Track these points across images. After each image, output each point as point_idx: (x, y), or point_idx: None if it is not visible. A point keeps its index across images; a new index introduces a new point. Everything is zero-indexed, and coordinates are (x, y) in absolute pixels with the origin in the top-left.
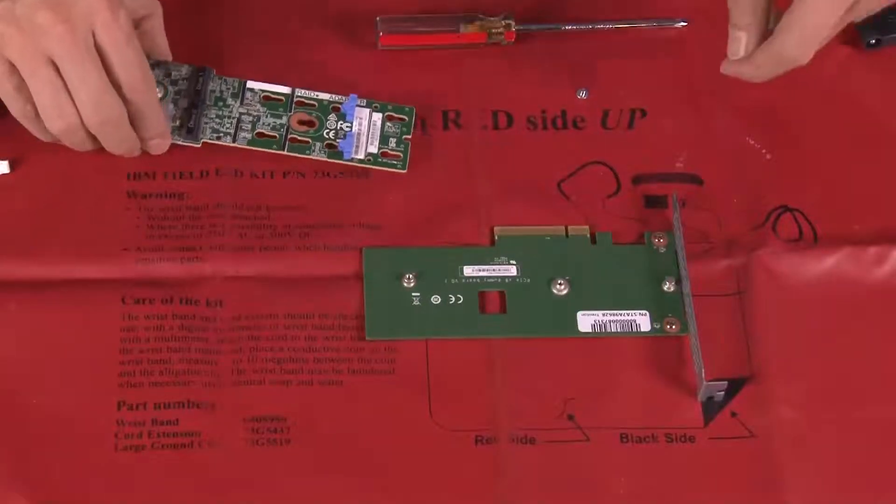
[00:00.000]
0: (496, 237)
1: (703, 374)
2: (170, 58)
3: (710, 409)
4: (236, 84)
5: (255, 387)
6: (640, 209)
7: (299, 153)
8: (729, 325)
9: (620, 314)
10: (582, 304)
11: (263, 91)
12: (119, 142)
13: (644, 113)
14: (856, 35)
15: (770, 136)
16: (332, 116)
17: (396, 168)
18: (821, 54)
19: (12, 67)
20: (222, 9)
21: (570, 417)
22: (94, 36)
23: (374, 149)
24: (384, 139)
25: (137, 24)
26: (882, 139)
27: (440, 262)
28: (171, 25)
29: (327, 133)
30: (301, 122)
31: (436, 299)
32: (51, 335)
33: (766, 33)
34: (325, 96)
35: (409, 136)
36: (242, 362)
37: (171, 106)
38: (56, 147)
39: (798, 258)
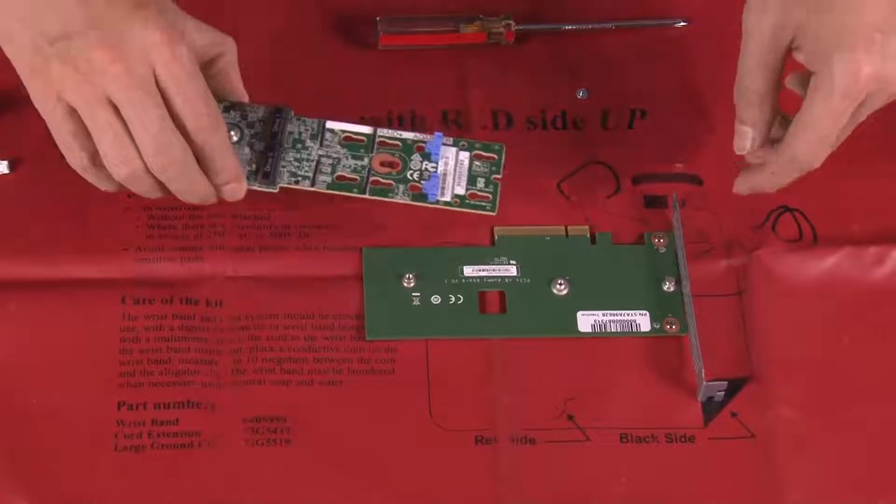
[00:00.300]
0: (496, 237)
1: (703, 374)
2: (246, 99)
3: (710, 409)
4: (315, 125)
5: (255, 387)
6: (640, 209)
7: (381, 196)
8: (729, 325)
9: (620, 314)
10: (582, 304)
11: (344, 132)
12: (188, 187)
13: (644, 113)
14: None
15: None
16: (417, 156)
17: (486, 210)
18: None
19: (71, 111)
20: (222, 8)
21: (570, 417)
22: (154, 74)
23: (461, 190)
24: (472, 179)
25: (209, 63)
26: (882, 139)
27: (440, 262)
28: None
29: (411, 174)
30: (383, 164)
31: (436, 299)
32: (51, 335)
33: (770, 129)
34: (408, 135)
35: (500, 177)
36: (242, 362)
37: (246, 149)
38: (56, 147)
39: (798, 258)
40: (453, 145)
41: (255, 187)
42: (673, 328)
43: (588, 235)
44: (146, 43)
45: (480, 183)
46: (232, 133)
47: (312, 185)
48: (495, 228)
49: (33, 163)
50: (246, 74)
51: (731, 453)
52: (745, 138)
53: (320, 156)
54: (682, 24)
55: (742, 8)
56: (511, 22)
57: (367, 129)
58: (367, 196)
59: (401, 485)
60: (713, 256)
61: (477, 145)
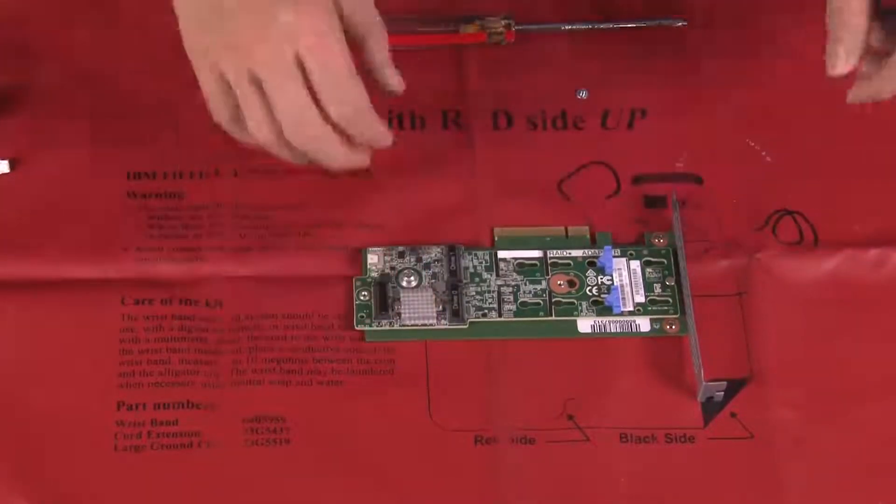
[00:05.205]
0: (496, 237)
1: (703, 375)
2: (395, 82)
3: (710, 409)
4: (488, 256)
5: (255, 387)
6: (640, 209)
7: (567, 316)
8: (729, 326)
9: (620, 315)
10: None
11: (515, 259)
12: (329, 157)
13: (644, 113)
14: None
15: (770, 137)
16: (591, 272)
17: (669, 314)
18: (820, 55)
19: (220, 76)
20: None
21: (570, 417)
22: (297, 55)
23: (640, 298)
24: (649, 286)
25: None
26: (883, 140)
27: None
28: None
29: (590, 290)
30: (561, 284)
31: None
32: (51, 335)
33: (864, 45)
34: (577, 253)
35: (673, 279)
36: (242, 362)
37: (430, 292)
38: (56, 147)
39: (798, 260)
40: (622, 256)
41: (447, 325)
42: (673, 328)
43: (588, 235)
44: (292, 28)
45: (657, 289)
46: (412, 278)
47: (500, 315)
48: (495, 229)
49: (33, 163)
50: None
51: (730, 453)
52: (837, 58)
53: (499, 286)
54: (682, 23)
55: (741, 8)
56: (511, 22)
57: (536, 253)
58: (553, 318)
59: (400, 485)
60: (713, 256)
61: (645, 251)
